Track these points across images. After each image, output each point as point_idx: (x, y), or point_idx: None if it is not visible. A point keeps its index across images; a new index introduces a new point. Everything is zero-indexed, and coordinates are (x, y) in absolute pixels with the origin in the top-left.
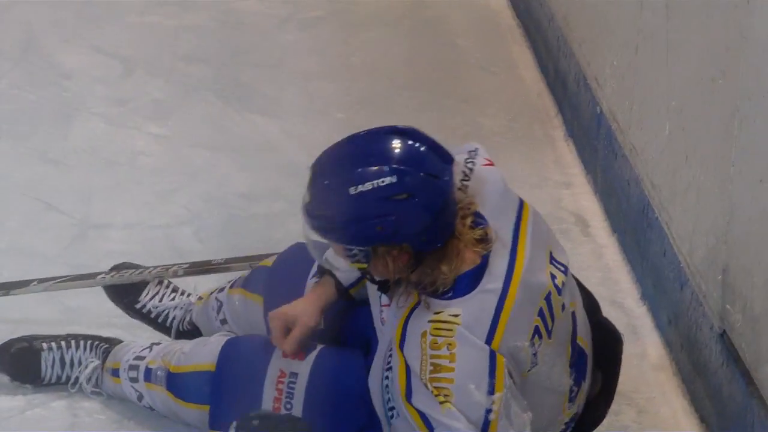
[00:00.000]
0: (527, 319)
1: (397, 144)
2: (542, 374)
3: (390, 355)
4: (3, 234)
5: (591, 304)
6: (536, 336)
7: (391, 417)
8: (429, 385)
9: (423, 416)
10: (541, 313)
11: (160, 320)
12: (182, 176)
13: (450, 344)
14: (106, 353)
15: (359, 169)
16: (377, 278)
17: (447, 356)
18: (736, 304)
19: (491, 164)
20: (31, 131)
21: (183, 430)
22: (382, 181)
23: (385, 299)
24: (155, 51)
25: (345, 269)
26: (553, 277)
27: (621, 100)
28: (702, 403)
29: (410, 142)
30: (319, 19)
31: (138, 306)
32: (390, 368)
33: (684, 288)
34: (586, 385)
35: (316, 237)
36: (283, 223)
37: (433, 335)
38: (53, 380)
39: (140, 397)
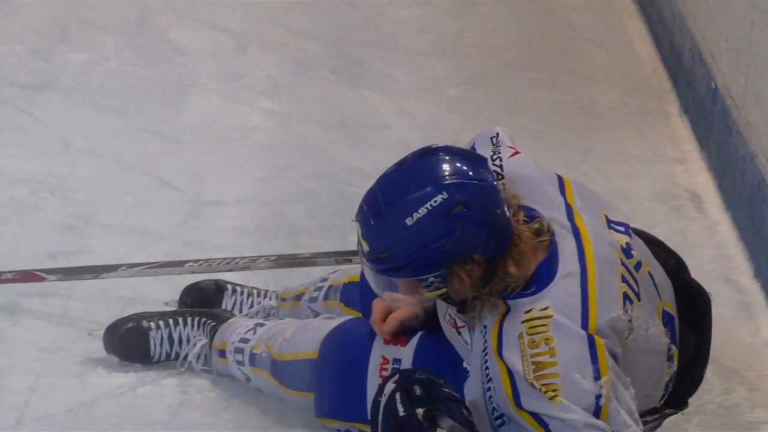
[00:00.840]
0: (614, 288)
1: (431, 163)
2: (640, 338)
3: (487, 367)
4: (117, 211)
5: (678, 263)
6: (627, 302)
7: (500, 425)
8: (536, 384)
9: (536, 416)
10: (624, 279)
11: None
12: (295, 152)
13: (547, 339)
14: (213, 330)
15: (406, 199)
16: (457, 299)
17: (547, 352)
18: None
19: (516, 152)
20: (145, 108)
21: (290, 408)
22: (435, 201)
23: (459, 322)
24: (268, 27)
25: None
26: (613, 242)
27: (736, 75)
28: None
29: (442, 156)
30: None
31: None
32: (490, 379)
33: None
34: (676, 347)
35: (385, 282)
36: None
37: (529, 334)
38: (162, 358)
39: (248, 380)
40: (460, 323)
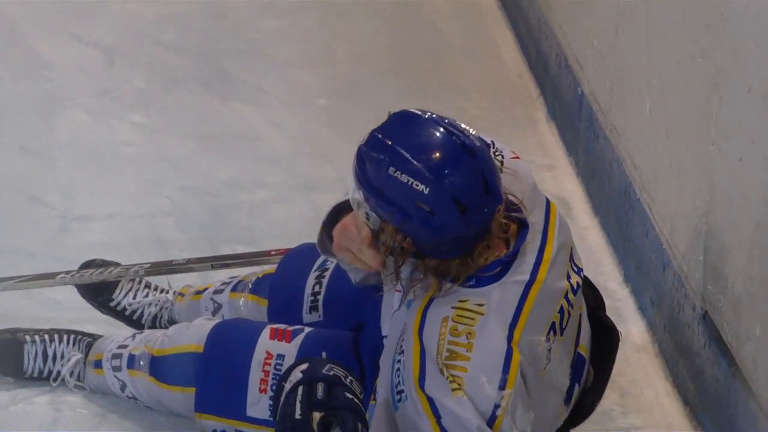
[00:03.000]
0: (547, 313)
1: (457, 161)
2: (552, 372)
3: (403, 339)
4: None
5: (597, 300)
6: (551, 332)
7: (399, 401)
8: (444, 370)
9: (431, 402)
10: (560, 311)
11: (135, 317)
12: (165, 166)
13: (470, 333)
14: (88, 347)
15: (411, 158)
16: (381, 241)
17: (465, 345)
18: (718, 285)
19: (517, 157)
20: (13, 123)
21: (165, 420)
22: (416, 184)
23: (398, 286)
24: (137, 40)
25: None
26: (569, 277)
27: (602, 81)
28: (685, 385)
29: (470, 167)
30: (300, 5)
31: (112, 304)
32: (402, 352)
33: (666, 269)
34: (580, 388)
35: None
36: (266, 211)
37: (454, 321)
38: (35, 374)
39: (123, 387)
40: (397, 286)
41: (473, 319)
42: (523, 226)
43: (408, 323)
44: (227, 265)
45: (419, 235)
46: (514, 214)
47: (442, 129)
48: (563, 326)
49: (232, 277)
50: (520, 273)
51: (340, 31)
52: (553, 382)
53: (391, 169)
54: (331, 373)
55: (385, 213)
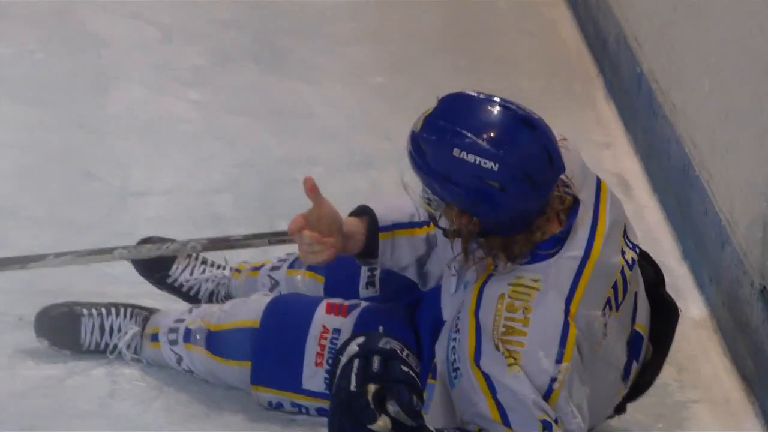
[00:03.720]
0: (603, 288)
1: (520, 135)
2: (608, 348)
3: (458, 318)
4: (42, 203)
5: (657, 276)
6: (607, 307)
7: (455, 378)
8: (500, 346)
9: (488, 379)
10: (614, 286)
11: (191, 293)
12: (220, 142)
13: (526, 309)
14: (145, 321)
15: (475, 137)
16: (442, 226)
17: (521, 320)
18: None
19: (564, 139)
20: (69, 99)
21: (221, 392)
22: (485, 162)
23: (453, 269)
24: (193, 18)
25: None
26: (623, 253)
27: (660, 59)
28: (744, 361)
29: (532, 140)
30: None
31: (169, 280)
32: (458, 330)
33: (725, 246)
34: (638, 365)
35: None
36: (322, 187)
37: (511, 298)
38: (92, 347)
39: (179, 360)
40: (453, 270)
41: (529, 294)
42: (574, 202)
43: (464, 302)
44: (284, 242)
45: (487, 213)
46: (566, 189)
47: (497, 105)
48: (618, 302)
49: (289, 254)
50: (574, 249)
51: (393, 8)
52: (609, 359)
53: (456, 151)
54: (388, 346)
55: (452, 196)
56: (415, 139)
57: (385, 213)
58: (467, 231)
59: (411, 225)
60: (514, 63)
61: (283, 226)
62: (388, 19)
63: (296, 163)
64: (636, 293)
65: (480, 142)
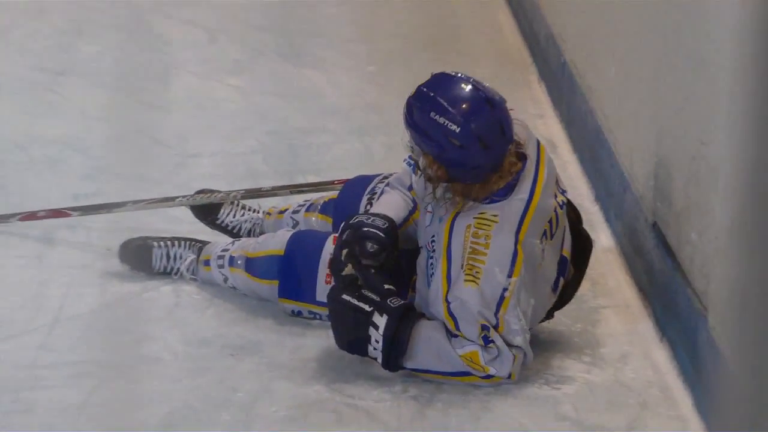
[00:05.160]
0: (542, 223)
1: (481, 109)
2: (545, 268)
3: (434, 241)
4: (124, 163)
5: (576, 215)
6: (544, 237)
7: (431, 280)
8: (465, 265)
9: (448, 291)
10: (550, 221)
11: (234, 231)
12: (254, 116)
13: (487, 236)
14: (200, 250)
15: (447, 106)
16: (420, 171)
17: (483, 245)
18: (664, 202)
19: (513, 110)
20: (141, 85)
21: (256, 303)
22: (450, 125)
23: (429, 207)
24: (233, 22)
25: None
26: (555, 197)
27: (579, 52)
28: (640, 277)
29: (490, 114)
30: None
31: (218, 222)
32: (434, 250)
33: (626, 191)
34: (564, 281)
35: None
36: (329, 149)
37: (475, 228)
38: (161, 270)
39: (225, 280)
40: (429, 208)
41: (489, 226)
42: (522, 158)
43: (438, 232)
44: (302, 191)
45: (450, 164)
46: (519, 148)
47: (470, 85)
48: (553, 233)
49: (306, 201)
50: (522, 192)
51: (382, 15)
52: (546, 275)
53: (432, 113)
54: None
55: (428, 148)
56: (408, 102)
57: (396, 216)
58: (436, 176)
59: (410, 214)
60: (471, 55)
61: (301, 179)
62: (378, 22)
63: (310, 131)
64: (564, 227)
65: (450, 109)
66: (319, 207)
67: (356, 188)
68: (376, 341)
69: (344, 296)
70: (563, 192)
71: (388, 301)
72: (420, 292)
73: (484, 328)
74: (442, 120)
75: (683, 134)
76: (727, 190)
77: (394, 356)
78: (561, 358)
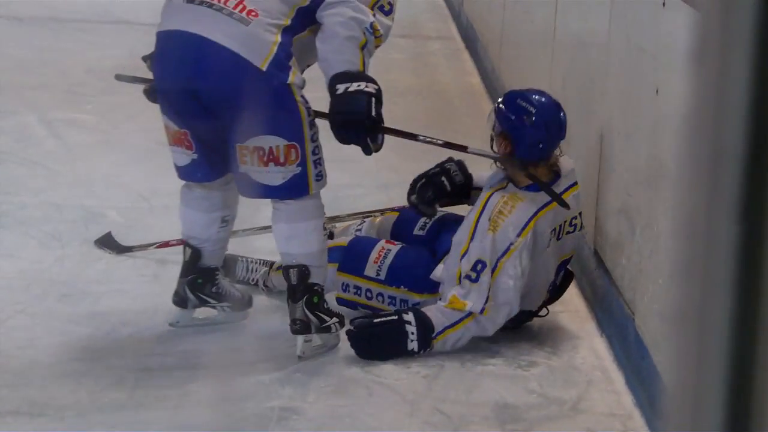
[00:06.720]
0: (556, 219)
1: (553, 107)
2: (547, 257)
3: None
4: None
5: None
6: (553, 232)
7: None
8: (491, 220)
9: (473, 234)
10: (561, 225)
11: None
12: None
13: (513, 207)
14: (270, 265)
15: (531, 97)
16: (494, 144)
17: (508, 211)
18: (602, 236)
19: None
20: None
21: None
22: (530, 107)
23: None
24: None
25: None
26: (572, 222)
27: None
28: (585, 289)
29: (557, 111)
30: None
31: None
32: (473, 210)
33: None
34: (556, 285)
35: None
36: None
37: (508, 198)
38: (242, 279)
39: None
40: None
41: (517, 201)
42: (556, 176)
43: (481, 196)
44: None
45: (517, 140)
46: (555, 170)
47: (546, 94)
48: (559, 236)
49: (363, 221)
50: (545, 197)
51: (383, 66)
52: (547, 265)
53: (518, 100)
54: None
55: (505, 124)
56: (502, 99)
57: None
58: (503, 149)
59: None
60: (443, 94)
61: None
62: (372, 68)
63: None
64: (570, 235)
65: (533, 99)
66: (377, 227)
67: (411, 214)
68: (412, 333)
69: (367, 321)
70: (575, 229)
71: (391, 309)
72: (448, 267)
73: (478, 263)
74: (524, 104)
75: (615, 192)
76: (646, 229)
77: (428, 336)
78: (529, 348)
